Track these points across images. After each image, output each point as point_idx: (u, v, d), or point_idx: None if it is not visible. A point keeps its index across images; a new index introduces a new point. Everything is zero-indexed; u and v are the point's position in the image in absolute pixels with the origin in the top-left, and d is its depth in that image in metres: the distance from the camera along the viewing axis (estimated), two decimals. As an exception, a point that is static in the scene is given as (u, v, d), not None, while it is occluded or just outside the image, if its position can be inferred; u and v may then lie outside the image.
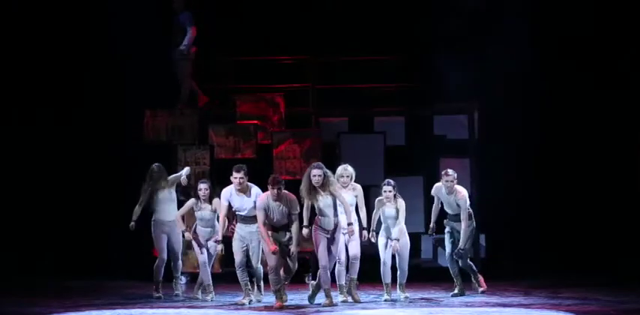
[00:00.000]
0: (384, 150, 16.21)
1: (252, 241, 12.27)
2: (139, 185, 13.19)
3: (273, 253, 11.86)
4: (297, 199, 12.01)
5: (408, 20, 16.33)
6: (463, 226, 12.63)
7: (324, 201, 12.00)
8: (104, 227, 16.12)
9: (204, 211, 12.75)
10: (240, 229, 12.31)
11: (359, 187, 12.37)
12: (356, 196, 12.30)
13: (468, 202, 12.70)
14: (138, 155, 15.57)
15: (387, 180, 12.64)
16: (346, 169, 12.34)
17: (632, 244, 15.33)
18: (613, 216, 15.69)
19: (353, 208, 12.22)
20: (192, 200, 12.81)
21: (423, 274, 14.92)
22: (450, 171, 12.75)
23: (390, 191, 12.44)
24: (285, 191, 11.92)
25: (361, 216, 12.32)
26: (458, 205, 12.69)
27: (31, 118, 16.29)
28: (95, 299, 13.04)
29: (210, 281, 12.76)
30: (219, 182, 15.31)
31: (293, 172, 15.72)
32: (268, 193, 11.90)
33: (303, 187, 12.03)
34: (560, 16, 15.79)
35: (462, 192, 12.74)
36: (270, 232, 11.90)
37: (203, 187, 12.73)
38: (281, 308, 11.86)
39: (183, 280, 15.02)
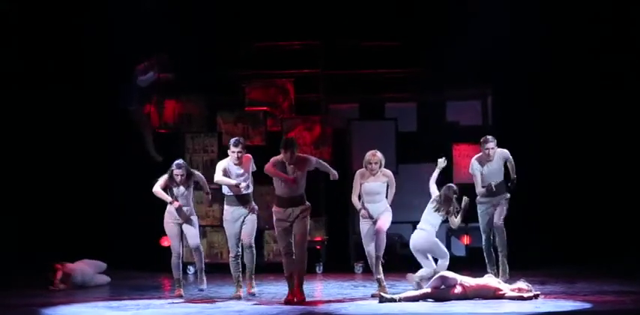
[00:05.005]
0: (395, 137, 16.05)
1: (243, 219, 11.92)
2: (145, 174, 12.93)
3: (292, 182, 11.29)
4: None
5: (419, 4, 16.16)
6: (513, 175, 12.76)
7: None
8: (110, 217, 16.09)
9: (178, 189, 12.17)
10: (231, 213, 11.92)
11: (389, 173, 11.97)
12: (386, 183, 11.90)
13: None
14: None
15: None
16: (375, 155, 11.91)
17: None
18: (633, 205, 15.60)
19: (382, 197, 11.89)
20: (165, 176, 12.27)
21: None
22: (490, 137, 12.72)
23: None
24: (300, 154, 11.36)
25: (389, 195, 11.98)
26: (502, 168, 12.75)
27: (29, 109, 16.17)
28: (101, 290, 13.08)
29: (180, 275, 12.27)
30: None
31: (303, 159, 15.55)
32: (278, 157, 11.30)
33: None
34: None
35: (504, 150, 12.81)
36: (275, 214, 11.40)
37: (179, 174, 12.14)
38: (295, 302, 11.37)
39: (192, 270, 14.91)
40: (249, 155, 12.06)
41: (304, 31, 16.23)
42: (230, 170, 11.95)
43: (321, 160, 11.65)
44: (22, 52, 15.99)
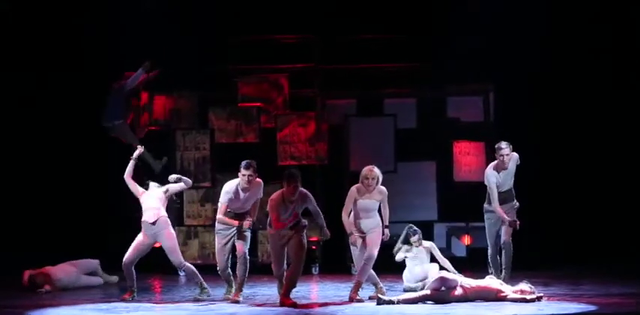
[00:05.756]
0: (394, 133, 15.86)
1: (233, 235, 11.65)
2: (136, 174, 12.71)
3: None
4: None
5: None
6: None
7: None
8: (102, 219, 16.00)
9: (150, 194, 11.93)
10: (225, 229, 11.61)
11: (384, 190, 11.61)
12: (379, 201, 11.56)
13: None
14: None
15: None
16: (372, 171, 11.54)
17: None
18: (635, 204, 15.56)
19: (376, 212, 11.58)
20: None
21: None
22: (504, 143, 12.43)
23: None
24: (301, 189, 11.24)
25: (383, 215, 11.72)
26: (514, 172, 12.51)
27: (28, 109, 16.19)
28: (91, 292, 12.97)
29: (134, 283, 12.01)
30: (219, 169, 15.03)
31: (298, 157, 15.51)
32: (282, 191, 11.16)
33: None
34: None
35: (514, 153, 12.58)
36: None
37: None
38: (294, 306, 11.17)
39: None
40: (260, 180, 11.65)
41: (300, 25, 16.03)
42: (236, 199, 11.57)
43: (319, 211, 11.43)
44: (22, 52, 15.95)
